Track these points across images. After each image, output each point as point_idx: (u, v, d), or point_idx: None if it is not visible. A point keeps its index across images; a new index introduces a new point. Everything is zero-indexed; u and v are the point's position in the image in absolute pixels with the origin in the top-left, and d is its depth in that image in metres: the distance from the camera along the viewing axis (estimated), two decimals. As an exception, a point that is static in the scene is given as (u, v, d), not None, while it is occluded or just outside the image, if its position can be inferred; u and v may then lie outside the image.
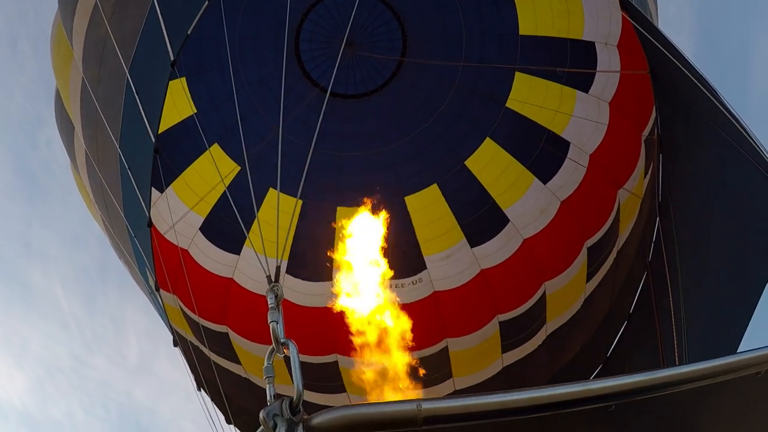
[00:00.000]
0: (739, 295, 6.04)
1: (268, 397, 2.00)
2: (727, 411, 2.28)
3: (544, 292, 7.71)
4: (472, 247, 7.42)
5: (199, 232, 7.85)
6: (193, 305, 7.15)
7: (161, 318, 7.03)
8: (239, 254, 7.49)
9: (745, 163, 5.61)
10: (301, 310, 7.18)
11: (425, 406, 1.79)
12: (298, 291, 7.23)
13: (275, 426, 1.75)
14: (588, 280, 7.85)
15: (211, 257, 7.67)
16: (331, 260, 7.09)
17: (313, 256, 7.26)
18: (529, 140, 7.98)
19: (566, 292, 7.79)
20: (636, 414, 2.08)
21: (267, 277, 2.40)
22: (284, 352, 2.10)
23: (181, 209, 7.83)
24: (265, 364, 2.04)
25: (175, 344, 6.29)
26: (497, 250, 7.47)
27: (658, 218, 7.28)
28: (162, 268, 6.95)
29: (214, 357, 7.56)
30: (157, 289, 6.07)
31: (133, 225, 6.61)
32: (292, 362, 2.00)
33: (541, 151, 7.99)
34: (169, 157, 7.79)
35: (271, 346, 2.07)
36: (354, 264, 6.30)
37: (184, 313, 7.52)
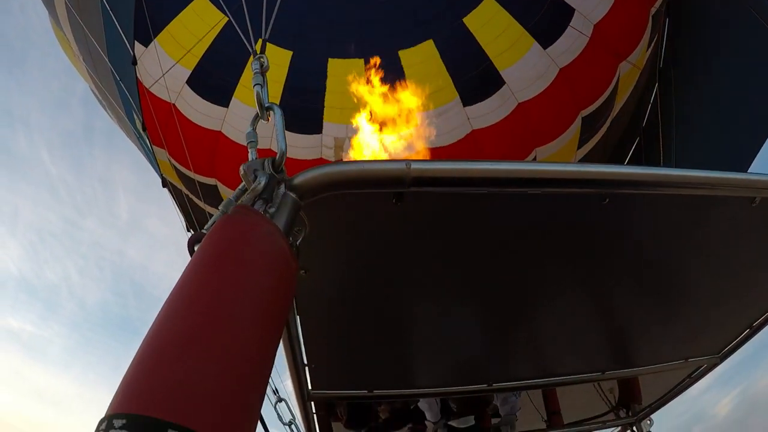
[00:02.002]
0: (732, 160, 6.05)
1: (249, 159, 1.94)
2: (716, 232, 2.28)
3: (535, 158, 7.68)
4: (465, 106, 7.26)
5: (186, 85, 7.61)
6: (186, 159, 7.07)
7: (149, 162, 6.98)
8: (227, 107, 7.31)
9: (758, 27, 5.42)
10: (294, 163, 7.14)
11: (415, 166, 1.74)
12: (289, 144, 7.12)
13: (255, 178, 1.69)
14: (579, 147, 7.82)
15: (199, 110, 7.49)
16: (322, 112, 6.94)
17: (303, 108, 7.10)
18: (532, 2, 7.60)
19: (556, 158, 7.77)
20: (628, 212, 2.06)
21: (252, 51, 2.28)
22: (268, 118, 2.03)
23: (167, 62, 7.54)
24: (248, 129, 1.97)
25: (164, 185, 6.29)
26: (490, 111, 7.33)
27: (657, 84, 7.13)
28: (152, 122, 6.83)
29: (208, 209, 7.61)
30: (144, 130, 5.97)
31: (118, 67, 6.39)
32: (276, 126, 1.93)
33: (543, 15, 7.62)
34: (154, 10, 7.41)
35: (256, 111, 2.00)
36: (346, 116, 6.17)
37: (174, 167, 7.48)
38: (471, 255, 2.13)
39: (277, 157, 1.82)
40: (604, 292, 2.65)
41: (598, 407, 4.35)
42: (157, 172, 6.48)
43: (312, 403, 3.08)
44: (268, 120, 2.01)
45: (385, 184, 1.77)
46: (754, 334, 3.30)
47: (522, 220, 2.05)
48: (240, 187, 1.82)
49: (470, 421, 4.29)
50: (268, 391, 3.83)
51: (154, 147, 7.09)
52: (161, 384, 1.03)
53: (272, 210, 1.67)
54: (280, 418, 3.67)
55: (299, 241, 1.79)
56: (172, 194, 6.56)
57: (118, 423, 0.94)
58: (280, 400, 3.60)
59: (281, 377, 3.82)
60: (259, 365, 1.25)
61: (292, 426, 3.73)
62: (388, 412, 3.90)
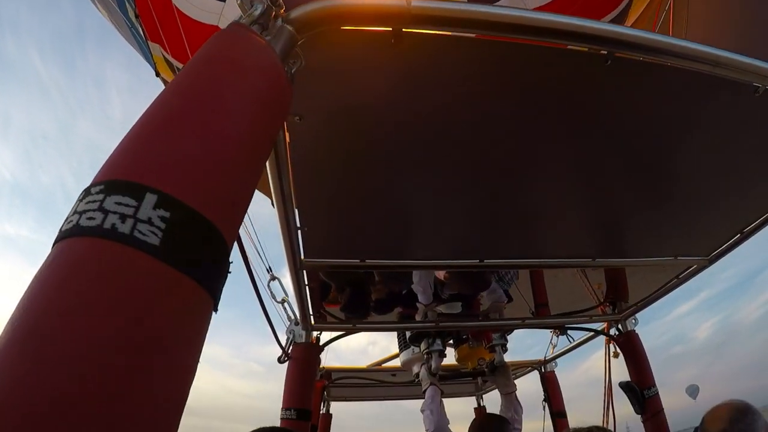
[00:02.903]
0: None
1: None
2: (716, 120, 2.24)
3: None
4: (470, 10, 7.00)
5: (182, -22, 7.31)
6: (187, 55, 6.87)
7: (143, 55, 6.78)
8: (225, 0, 7.05)
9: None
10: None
11: (415, 3, 1.68)
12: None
13: (252, 6, 1.62)
14: (585, 60, 7.63)
15: (195, 5, 7.22)
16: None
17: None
18: None
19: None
20: (630, 79, 2.01)
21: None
22: None
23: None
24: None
25: (157, 75, 6.15)
26: (497, 17, 7.08)
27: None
28: (148, 16, 6.58)
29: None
30: (137, 17, 5.76)
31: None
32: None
33: None
34: None
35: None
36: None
37: (169, 63, 7.28)
38: (467, 114, 2.09)
39: None
40: (600, 173, 2.64)
41: (585, 304, 4.45)
42: (149, 63, 6.30)
43: (304, 272, 3.12)
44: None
45: (384, 21, 1.72)
46: (744, 240, 3.33)
47: (523, 75, 2.00)
48: (236, 18, 1.76)
49: (457, 307, 4.40)
50: (262, 269, 3.88)
51: (150, 43, 6.87)
52: (142, 156, 1.00)
53: (268, 38, 1.62)
54: (273, 296, 3.73)
55: (294, 70, 1.74)
56: (164, 83, 6.41)
57: (95, 189, 0.92)
58: (273, 278, 3.65)
59: (272, 260, 3.85)
60: (248, 162, 1.22)
61: (285, 304, 3.81)
62: (383, 294, 3.98)
